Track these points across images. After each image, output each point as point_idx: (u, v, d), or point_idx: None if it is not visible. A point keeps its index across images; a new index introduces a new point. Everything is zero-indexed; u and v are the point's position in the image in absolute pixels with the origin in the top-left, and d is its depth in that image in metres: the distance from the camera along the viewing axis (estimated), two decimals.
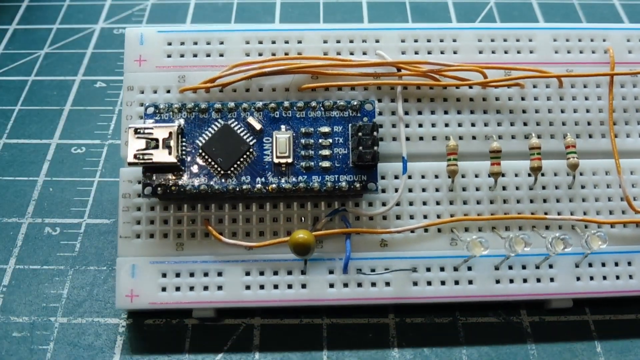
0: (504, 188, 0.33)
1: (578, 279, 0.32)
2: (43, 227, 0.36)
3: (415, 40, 0.35)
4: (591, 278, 0.32)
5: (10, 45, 0.48)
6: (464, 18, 0.50)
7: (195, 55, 0.34)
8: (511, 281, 0.32)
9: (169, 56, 0.34)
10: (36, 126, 0.42)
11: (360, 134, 0.32)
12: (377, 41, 0.35)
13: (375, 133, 0.32)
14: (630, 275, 0.32)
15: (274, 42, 0.35)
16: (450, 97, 0.34)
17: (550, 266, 0.32)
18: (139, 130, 0.31)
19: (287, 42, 0.35)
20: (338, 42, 0.35)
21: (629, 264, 0.32)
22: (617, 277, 0.32)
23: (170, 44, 0.35)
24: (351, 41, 0.35)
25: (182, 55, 0.34)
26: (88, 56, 0.47)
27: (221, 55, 0.35)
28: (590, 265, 0.32)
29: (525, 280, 0.32)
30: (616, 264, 0.32)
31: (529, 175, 0.33)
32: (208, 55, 0.35)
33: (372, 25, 0.37)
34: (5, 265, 0.35)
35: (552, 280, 0.32)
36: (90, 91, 0.44)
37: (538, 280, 0.32)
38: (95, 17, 0.51)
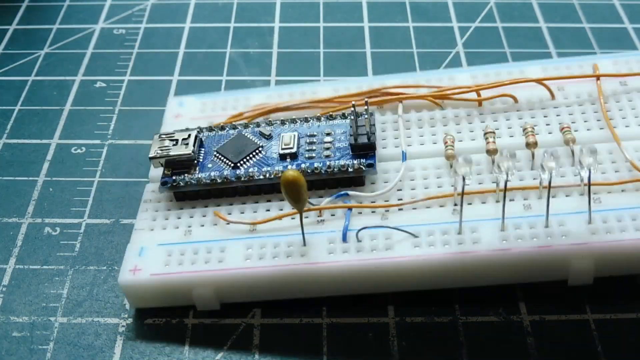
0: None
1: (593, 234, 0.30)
2: (43, 227, 0.36)
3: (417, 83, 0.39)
4: (608, 232, 0.30)
5: (10, 45, 0.48)
6: (464, 18, 0.50)
7: (224, 109, 0.40)
8: (519, 239, 0.31)
9: (202, 112, 0.40)
10: (36, 126, 0.42)
11: (357, 123, 0.34)
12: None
13: (370, 120, 0.34)
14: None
15: (291, 96, 0.40)
16: (448, 115, 0.37)
17: (561, 224, 0.31)
18: (162, 135, 0.36)
19: (303, 95, 0.40)
20: (347, 90, 0.39)
21: None
22: (638, 230, 0.30)
23: (204, 104, 0.40)
24: (359, 89, 0.39)
25: (212, 110, 0.40)
26: (88, 56, 0.47)
27: (246, 107, 0.40)
28: (604, 222, 0.31)
29: (535, 238, 0.30)
30: (634, 219, 0.31)
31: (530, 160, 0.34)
32: (235, 109, 0.40)
33: (379, 76, 0.42)
34: (5, 265, 0.35)
35: (564, 236, 0.30)
36: (90, 91, 0.45)
37: (549, 237, 0.30)
38: (95, 17, 0.51)
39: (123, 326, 0.32)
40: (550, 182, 0.30)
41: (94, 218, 0.37)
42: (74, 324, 0.32)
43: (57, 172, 0.39)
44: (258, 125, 0.37)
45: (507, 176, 0.30)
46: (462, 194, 0.30)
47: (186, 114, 0.40)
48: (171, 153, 0.35)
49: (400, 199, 0.33)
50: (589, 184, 0.30)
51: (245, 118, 0.38)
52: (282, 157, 0.35)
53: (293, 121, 0.37)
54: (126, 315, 0.33)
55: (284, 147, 0.35)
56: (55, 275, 0.34)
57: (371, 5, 0.51)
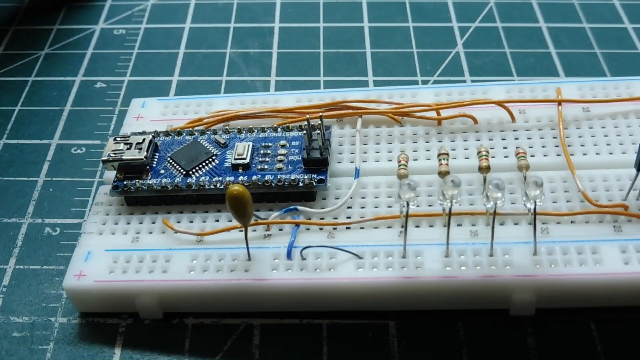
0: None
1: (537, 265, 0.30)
2: (43, 227, 0.36)
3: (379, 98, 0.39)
4: (552, 265, 0.30)
5: (10, 45, 0.48)
6: (464, 18, 0.50)
7: (185, 114, 0.40)
8: (462, 267, 0.30)
9: (163, 115, 0.40)
10: (36, 126, 0.42)
11: (310, 137, 0.34)
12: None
13: (324, 135, 0.34)
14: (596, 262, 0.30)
15: (253, 103, 0.40)
16: (407, 132, 0.37)
17: (506, 254, 0.31)
18: (117, 138, 0.36)
19: (265, 103, 0.40)
20: (310, 100, 0.39)
21: (593, 252, 0.31)
22: (582, 264, 0.30)
23: (166, 107, 0.40)
24: (322, 100, 0.39)
25: (174, 114, 0.40)
26: (88, 57, 0.47)
27: (207, 113, 0.39)
28: (549, 254, 0.31)
29: (478, 267, 0.30)
30: (579, 253, 0.31)
31: (482, 185, 0.34)
32: (196, 113, 0.39)
33: (340, 89, 0.41)
34: (5, 265, 0.35)
35: (508, 266, 0.30)
36: (91, 92, 0.45)
37: (492, 266, 0.30)
38: (95, 17, 0.51)
39: (123, 326, 0.32)
40: (494, 212, 0.30)
41: None
42: (74, 324, 0.32)
43: (57, 172, 0.39)
44: (215, 132, 0.37)
45: (451, 204, 0.29)
46: (407, 217, 0.30)
47: (147, 115, 0.40)
48: (124, 157, 0.35)
49: (349, 217, 0.33)
50: (534, 216, 0.30)
51: (204, 124, 0.38)
52: (235, 168, 0.34)
53: (250, 130, 0.36)
54: (126, 316, 0.33)
55: (237, 157, 0.35)
56: (55, 275, 0.34)
57: (371, 5, 0.51)
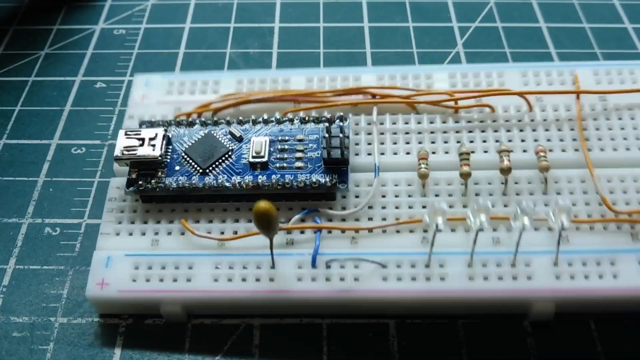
0: (476, 194, 0.34)
1: (557, 277, 0.31)
2: (43, 227, 0.36)
3: (392, 78, 0.39)
4: (572, 277, 0.31)
5: (10, 45, 0.48)
6: (464, 18, 0.50)
7: (191, 93, 0.39)
8: (485, 279, 0.31)
9: (168, 93, 0.39)
10: (36, 127, 0.42)
11: (330, 134, 0.34)
12: (356, 80, 0.39)
13: (344, 134, 0.34)
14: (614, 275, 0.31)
15: (263, 82, 0.39)
16: (423, 120, 0.36)
17: (527, 264, 0.31)
18: (128, 132, 0.35)
19: (274, 82, 0.39)
20: (321, 81, 0.39)
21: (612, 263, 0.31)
22: (600, 277, 0.31)
23: (171, 85, 0.39)
24: (333, 80, 0.39)
25: (180, 93, 0.39)
26: (88, 57, 0.47)
27: (215, 92, 0.39)
28: (570, 264, 0.31)
29: (500, 279, 0.31)
30: (598, 264, 0.31)
31: (502, 183, 0.33)
32: (203, 93, 0.39)
33: (353, 69, 0.41)
34: (5, 266, 0.35)
35: (529, 278, 0.31)
36: (91, 92, 0.45)
37: (514, 278, 0.31)
38: (95, 17, 0.51)
39: (123, 326, 0.32)
40: (520, 235, 0.30)
41: (94, 218, 0.37)
42: (74, 324, 0.32)
43: (57, 172, 0.39)
44: (229, 123, 0.36)
45: (480, 227, 0.29)
46: (433, 240, 0.30)
47: (152, 95, 0.39)
48: (138, 154, 0.34)
49: (371, 219, 0.33)
50: (559, 238, 0.30)
51: (214, 110, 0.37)
52: (253, 166, 0.34)
53: (265, 122, 0.36)
54: (126, 316, 0.33)
55: (254, 155, 0.34)
56: (55, 275, 0.34)
57: (371, 5, 0.51)
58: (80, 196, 0.38)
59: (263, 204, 0.28)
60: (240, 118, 0.36)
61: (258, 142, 0.34)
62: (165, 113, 0.38)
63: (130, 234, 0.33)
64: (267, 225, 0.29)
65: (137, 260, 0.32)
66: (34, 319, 0.32)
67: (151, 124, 0.36)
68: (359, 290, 0.31)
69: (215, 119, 0.36)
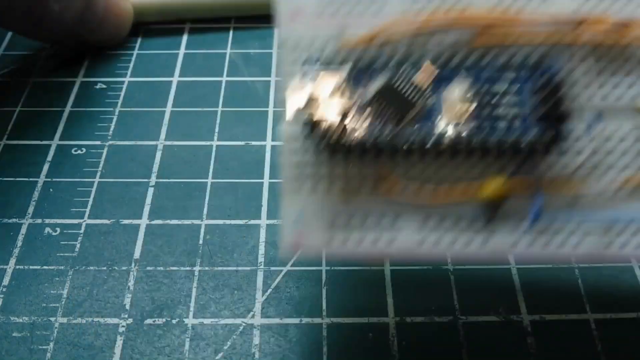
0: None
1: None
2: (43, 228, 0.36)
3: None
4: None
5: (10, 45, 0.48)
6: None
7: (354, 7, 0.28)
8: None
9: (327, 8, 0.28)
10: (36, 127, 0.42)
11: (543, 90, 0.27)
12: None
13: (561, 89, 0.26)
14: None
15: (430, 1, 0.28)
16: None
17: None
18: (299, 85, 0.27)
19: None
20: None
21: None
22: None
23: None
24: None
25: (340, 9, 0.28)
26: (88, 57, 0.47)
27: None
28: None
29: None
30: None
31: None
32: (374, 17, 0.28)
33: None
34: (6, 266, 0.35)
35: None
36: (91, 93, 0.45)
37: None
38: None
39: (123, 326, 0.32)
40: None
41: (94, 218, 0.37)
42: (74, 324, 0.32)
43: (58, 173, 0.39)
44: (414, 65, 0.27)
45: None
46: None
47: (306, 12, 0.28)
48: (316, 115, 0.26)
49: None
50: None
51: (384, 45, 0.27)
52: (454, 125, 0.26)
53: (459, 64, 0.27)
54: (126, 315, 0.33)
55: (455, 121, 0.26)
56: (55, 275, 0.34)
57: None
58: (81, 197, 0.38)
59: (494, 185, 0.25)
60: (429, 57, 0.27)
61: (454, 96, 0.27)
62: (323, 33, 0.28)
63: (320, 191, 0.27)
64: (494, 206, 0.25)
65: (331, 217, 0.27)
66: (34, 319, 0.33)
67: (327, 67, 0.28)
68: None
69: (397, 58, 0.28)
